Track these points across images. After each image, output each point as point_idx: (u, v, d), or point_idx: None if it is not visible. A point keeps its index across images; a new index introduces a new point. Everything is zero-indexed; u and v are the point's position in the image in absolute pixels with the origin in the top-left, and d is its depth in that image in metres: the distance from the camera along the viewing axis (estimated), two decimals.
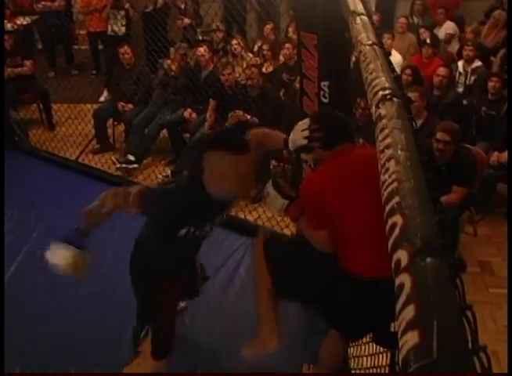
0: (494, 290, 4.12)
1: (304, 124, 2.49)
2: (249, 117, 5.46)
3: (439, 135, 4.22)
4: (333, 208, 2.36)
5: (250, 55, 6.72)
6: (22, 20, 8.33)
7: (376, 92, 1.68)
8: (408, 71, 5.80)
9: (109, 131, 6.50)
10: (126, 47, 6.28)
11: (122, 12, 7.90)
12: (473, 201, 4.60)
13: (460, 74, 6.17)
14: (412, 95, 4.79)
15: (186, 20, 7.63)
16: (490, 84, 5.32)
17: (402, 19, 7.31)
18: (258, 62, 6.45)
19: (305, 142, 2.44)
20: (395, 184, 1.15)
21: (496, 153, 5.01)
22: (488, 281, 4.22)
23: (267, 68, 6.40)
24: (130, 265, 2.77)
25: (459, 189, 4.21)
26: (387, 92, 1.65)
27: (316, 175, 2.64)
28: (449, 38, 7.11)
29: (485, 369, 0.76)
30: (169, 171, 5.63)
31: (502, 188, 5.20)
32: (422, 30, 7.06)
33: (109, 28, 7.93)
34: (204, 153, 2.40)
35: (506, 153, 4.99)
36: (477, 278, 4.22)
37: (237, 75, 5.98)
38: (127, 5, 7.94)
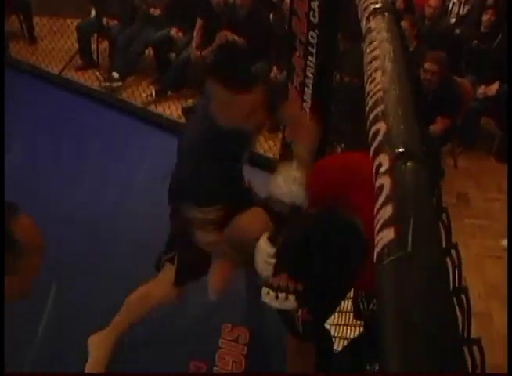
0: (469, 220, 4.20)
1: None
2: (236, 37, 5.34)
3: (427, 65, 4.21)
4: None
5: None
6: None
7: (367, 6, 1.65)
8: None
9: (93, 47, 6.32)
10: None
11: None
12: (456, 133, 4.63)
13: (454, 4, 6.06)
14: (402, 23, 4.71)
15: None
16: (485, 17, 5.23)
17: None
18: None
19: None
20: (380, 93, 1.15)
21: (483, 86, 4.99)
22: (463, 212, 4.29)
23: None
24: (172, 183, 2.44)
25: (443, 119, 4.23)
26: (378, 5, 1.62)
27: None
28: None
29: (455, 266, 0.78)
30: (153, 91, 5.54)
31: (486, 122, 5.22)
32: None
33: None
34: (208, 77, 2.10)
35: (493, 87, 4.98)
36: (453, 209, 4.28)
37: None
38: None
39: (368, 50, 1.40)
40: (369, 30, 1.50)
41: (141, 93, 5.53)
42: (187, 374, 2.75)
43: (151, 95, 5.50)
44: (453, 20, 5.95)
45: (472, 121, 4.96)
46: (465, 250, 3.83)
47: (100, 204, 3.87)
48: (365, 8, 1.65)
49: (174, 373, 2.70)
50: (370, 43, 1.41)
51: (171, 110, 5.20)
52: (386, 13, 1.57)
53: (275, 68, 5.22)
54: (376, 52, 1.34)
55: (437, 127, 4.20)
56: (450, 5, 6.06)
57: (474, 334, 0.73)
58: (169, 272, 2.50)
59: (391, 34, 1.44)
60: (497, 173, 4.83)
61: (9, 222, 1.25)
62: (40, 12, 6.58)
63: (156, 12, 5.95)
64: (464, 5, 5.94)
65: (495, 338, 3.23)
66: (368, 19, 1.57)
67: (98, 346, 2.60)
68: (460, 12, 5.95)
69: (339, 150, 3.43)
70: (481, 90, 4.96)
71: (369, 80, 1.24)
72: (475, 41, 5.25)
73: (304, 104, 3.37)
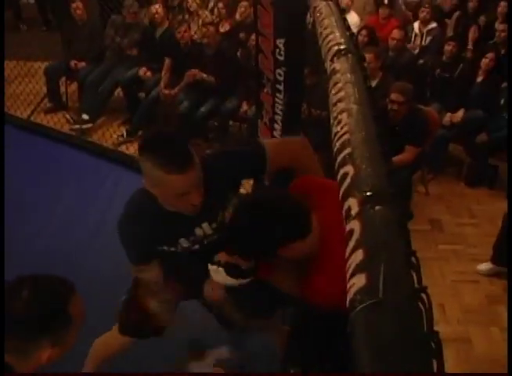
0: (443, 246, 4.25)
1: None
2: (205, 75, 5.41)
3: (394, 96, 4.27)
4: None
5: (206, 12, 6.60)
6: None
7: (331, 47, 1.69)
8: (364, 32, 5.80)
9: (62, 89, 6.33)
10: (78, 2, 6.08)
11: None
12: (425, 161, 4.71)
13: (416, 35, 6.22)
14: (367, 56, 4.79)
15: None
16: (447, 48, 5.38)
17: None
18: (214, 20, 6.35)
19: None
20: (347, 136, 1.17)
21: (449, 114, 5.11)
22: (437, 238, 4.34)
23: (223, 26, 6.30)
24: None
25: (411, 148, 4.29)
26: (341, 47, 1.66)
27: None
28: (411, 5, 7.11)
29: (427, 309, 0.79)
30: (124, 131, 5.55)
31: (454, 148, 5.33)
32: None
33: None
34: (139, 156, 1.89)
35: (458, 114, 5.10)
36: (427, 235, 4.34)
37: (193, 33, 5.89)
38: None
39: (333, 91, 1.43)
40: (334, 71, 1.53)
41: (111, 134, 5.54)
42: (187, 374, 2.74)
43: (122, 135, 5.51)
44: (416, 51, 6.10)
45: (440, 147, 5.06)
46: (441, 276, 3.87)
47: (71, 245, 3.85)
48: (329, 49, 1.69)
49: (174, 373, 2.71)
50: (335, 84, 1.44)
51: None
52: (349, 55, 1.61)
53: (244, 104, 5.28)
54: (341, 94, 1.37)
55: (406, 156, 4.26)
56: (412, 36, 6.22)
57: (454, 360, 0.74)
58: None
59: (355, 76, 1.48)
60: (467, 198, 4.92)
61: (67, 298, 1.38)
62: (7, 56, 6.57)
63: (134, 52, 5.99)
64: (426, 35, 6.10)
65: (474, 362, 3.25)
66: (332, 60, 1.60)
67: None
68: (423, 43, 6.11)
69: None
70: (447, 118, 5.08)
71: (335, 122, 1.27)
72: (438, 71, 5.39)
73: None
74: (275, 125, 3.35)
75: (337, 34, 1.78)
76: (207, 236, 2.09)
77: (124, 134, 5.52)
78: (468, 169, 5.13)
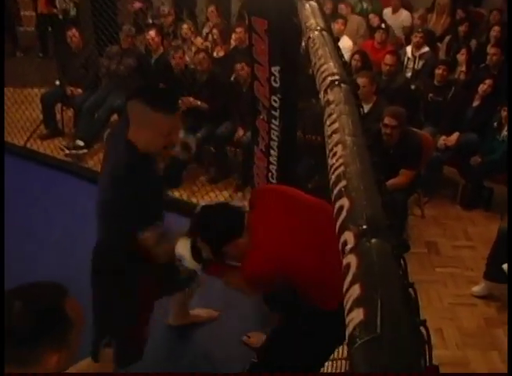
0: (440, 269, 4.25)
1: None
2: (199, 102, 5.45)
3: (387, 120, 4.30)
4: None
5: (200, 39, 6.67)
6: None
7: (325, 78, 1.71)
8: (357, 57, 5.86)
9: (58, 116, 6.36)
10: (74, 30, 6.14)
11: None
12: (420, 184, 4.73)
13: (409, 59, 6.30)
14: (361, 80, 4.86)
15: (138, 4, 7.50)
16: (437, 71, 5.45)
17: (341, 6, 7.38)
18: (208, 47, 6.41)
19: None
20: (342, 168, 1.19)
21: (444, 137, 5.16)
22: (434, 261, 4.35)
23: (218, 53, 6.37)
24: (93, 268, 2.52)
25: (406, 171, 4.31)
26: (335, 77, 1.68)
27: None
28: (407, 31, 7.21)
29: (425, 342, 0.80)
30: None
31: (449, 171, 5.36)
32: (372, 16, 7.14)
33: (59, 9, 7.75)
34: (129, 101, 2.20)
35: (453, 137, 5.15)
36: (424, 258, 4.35)
37: (187, 59, 5.94)
38: None
39: (328, 123, 1.45)
40: (328, 102, 1.55)
41: None
42: (187, 374, 2.74)
43: None
44: (409, 74, 6.17)
45: (434, 170, 5.10)
46: (438, 300, 3.87)
47: (69, 272, 3.83)
48: (323, 79, 1.72)
49: (174, 373, 2.74)
50: (329, 116, 1.47)
51: None
52: (343, 85, 1.64)
53: (240, 129, 5.31)
54: (336, 125, 1.39)
55: (401, 179, 4.28)
56: (405, 60, 6.30)
57: None
58: (108, 355, 2.52)
59: (349, 106, 1.50)
60: (463, 220, 4.94)
61: (62, 301, 1.38)
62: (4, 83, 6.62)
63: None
64: (419, 60, 6.18)
65: None
66: (326, 91, 1.63)
67: None
68: (415, 67, 6.18)
69: None
70: (441, 141, 5.12)
71: (331, 154, 1.28)
72: (430, 95, 5.45)
73: (271, 166, 3.42)
74: (272, 151, 3.39)
75: (331, 64, 1.81)
76: None
77: None
78: (463, 191, 5.16)
